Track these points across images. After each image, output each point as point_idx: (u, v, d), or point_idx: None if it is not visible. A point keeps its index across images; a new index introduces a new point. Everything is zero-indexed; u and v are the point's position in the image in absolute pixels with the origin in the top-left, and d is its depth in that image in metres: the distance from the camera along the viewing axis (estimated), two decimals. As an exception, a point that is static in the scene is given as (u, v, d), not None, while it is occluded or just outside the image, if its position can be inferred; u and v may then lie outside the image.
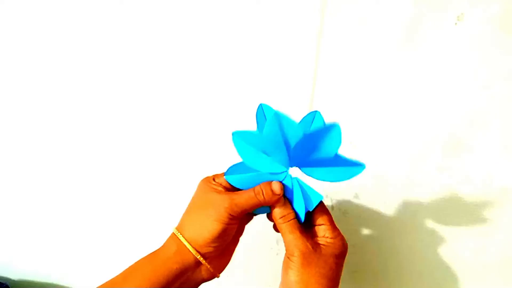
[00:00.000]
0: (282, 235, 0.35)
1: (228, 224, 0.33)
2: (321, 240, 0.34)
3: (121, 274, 0.34)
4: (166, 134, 0.54)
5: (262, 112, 0.37)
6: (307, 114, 0.40)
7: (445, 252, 0.52)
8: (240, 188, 0.36)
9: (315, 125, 0.41)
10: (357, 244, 0.54)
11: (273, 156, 0.36)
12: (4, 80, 0.54)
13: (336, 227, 0.35)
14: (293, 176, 0.37)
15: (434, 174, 0.48)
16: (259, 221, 0.55)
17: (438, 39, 0.43)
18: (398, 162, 0.49)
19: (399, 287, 0.55)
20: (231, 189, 0.36)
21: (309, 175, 0.36)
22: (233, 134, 0.36)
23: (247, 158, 0.36)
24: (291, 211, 0.35)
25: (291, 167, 0.36)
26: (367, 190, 0.51)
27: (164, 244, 0.35)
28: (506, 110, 0.44)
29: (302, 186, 0.37)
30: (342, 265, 0.34)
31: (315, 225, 0.36)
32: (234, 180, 0.37)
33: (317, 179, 0.36)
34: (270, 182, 0.35)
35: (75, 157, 0.57)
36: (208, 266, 0.35)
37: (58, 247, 0.66)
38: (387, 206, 0.51)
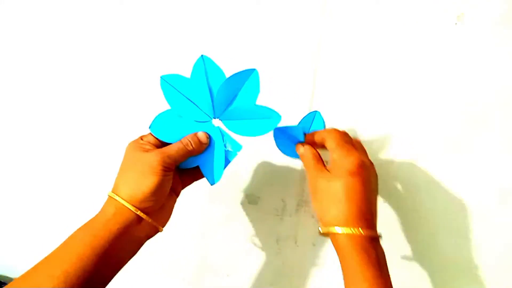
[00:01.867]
0: None
1: (163, 176, 0.34)
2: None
3: (61, 244, 0.33)
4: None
5: (202, 63, 0.37)
6: (307, 114, 0.40)
7: (445, 251, 0.52)
8: (164, 140, 0.37)
9: (315, 125, 0.41)
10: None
11: (198, 103, 0.37)
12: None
13: (348, 147, 0.37)
14: (215, 126, 0.38)
15: (434, 174, 0.48)
16: (259, 221, 0.55)
17: (438, 39, 0.43)
18: (398, 162, 0.49)
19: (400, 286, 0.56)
20: (160, 145, 0.37)
21: (230, 129, 0.37)
22: (161, 77, 0.37)
23: (173, 103, 0.37)
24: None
25: (215, 118, 0.37)
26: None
27: (101, 209, 0.35)
28: (506, 110, 0.44)
29: (223, 136, 0.38)
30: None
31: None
32: (158, 132, 0.37)
33: (236, 133, 0.37)
34: (196, 133, 0.37)
35: (74, 157, 0.58)
36: (150, 220, 0.35)
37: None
38: (387, 205, 0.51)
